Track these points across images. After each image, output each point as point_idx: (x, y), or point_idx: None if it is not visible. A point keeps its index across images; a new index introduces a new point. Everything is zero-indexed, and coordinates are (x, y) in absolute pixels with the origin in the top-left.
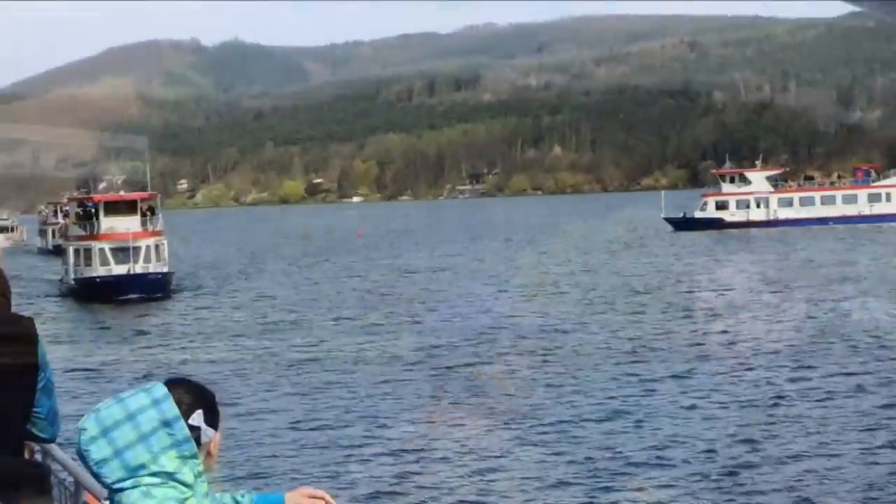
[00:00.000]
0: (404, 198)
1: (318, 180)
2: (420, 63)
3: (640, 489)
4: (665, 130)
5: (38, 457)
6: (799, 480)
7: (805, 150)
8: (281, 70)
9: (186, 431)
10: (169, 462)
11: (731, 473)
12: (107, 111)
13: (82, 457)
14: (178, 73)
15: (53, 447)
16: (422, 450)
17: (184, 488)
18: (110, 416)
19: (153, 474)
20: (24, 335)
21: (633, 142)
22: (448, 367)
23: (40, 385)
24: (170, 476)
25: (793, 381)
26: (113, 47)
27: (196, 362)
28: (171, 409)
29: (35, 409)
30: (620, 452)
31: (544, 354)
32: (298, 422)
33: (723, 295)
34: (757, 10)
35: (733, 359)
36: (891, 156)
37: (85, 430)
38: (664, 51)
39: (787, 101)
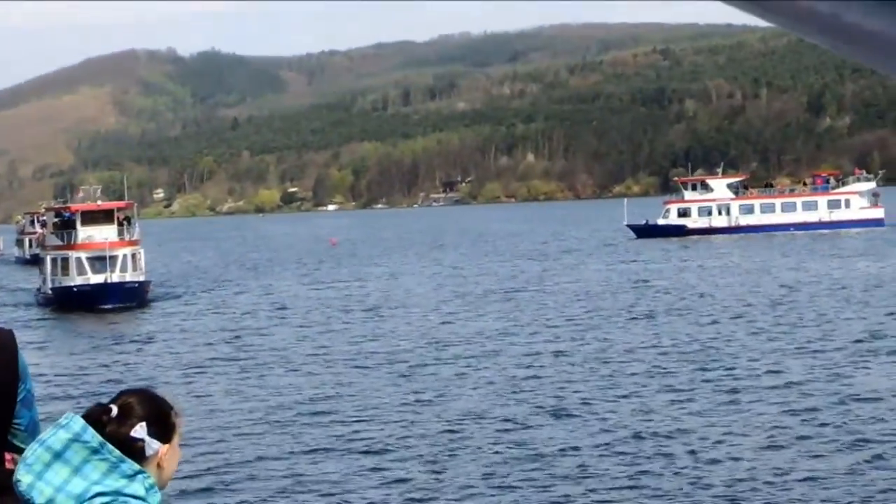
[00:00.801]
0: (379, 206)
1: (294, 189)
2: (395, 72)
3: (583, 479)
4: (637, 138)
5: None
6: (738, 479)
7: (776, 157)
8: (257, 80)
9: (118, 453)
10: (114, 482)
11: (671, 468)
12: (84, 121)
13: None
14: (154, 83)
15: None
16: (382, 449)
17: (136, 501)
18: (38, 461)
19: (101, 493)
20: (3, 347)
21: (606, 149)
22: (408, 368)
23: (20, 397)
24: (118, 493)
25: (746, 378)
26: (90, 57)
27: (171, 368)
28: (94, 437)
29: (16, 421)
30: (570, 448)
31: (499, 356)
32: (264, 421)
33: (681, 299)
34: (729, 19)
35: (682, 359)
36: (860, 162)
37: (20, 480)
38: (637, 59)
39: (758, 108)
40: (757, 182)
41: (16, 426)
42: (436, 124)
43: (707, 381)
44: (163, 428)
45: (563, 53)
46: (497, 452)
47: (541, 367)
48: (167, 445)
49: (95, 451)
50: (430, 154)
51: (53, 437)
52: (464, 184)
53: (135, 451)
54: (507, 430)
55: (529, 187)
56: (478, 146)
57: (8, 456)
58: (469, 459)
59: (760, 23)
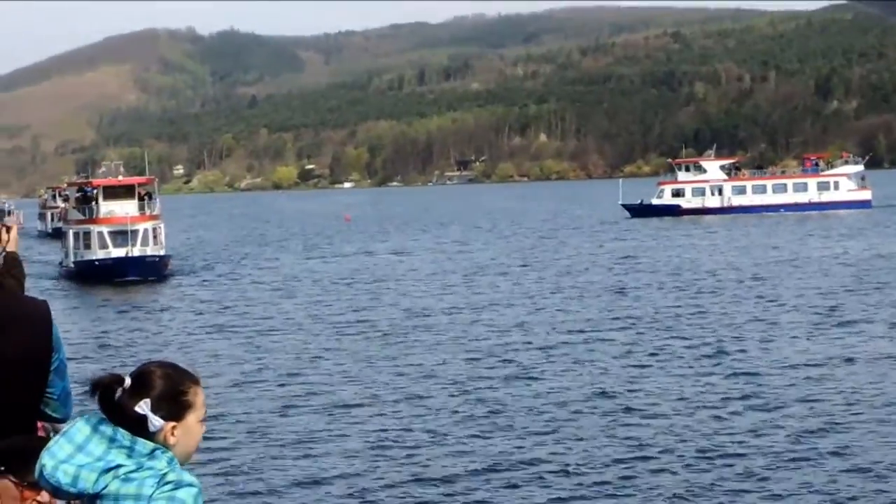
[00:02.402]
0: (394, 183)
1: (311, 166)
2: (410, 52)
3: (541, 443)
4: (648, 119)
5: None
6: (708, 442)
7: (783, 139)
8: (275, 59)
9: (129, 436)
10: (135, 461)
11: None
12: (105, 98)
13: (55, 489)
14: (174, 61)
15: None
16: (369, 405)
17: (159, 467)
18: (62, 451)
19: (122, 465)
20: (39, 317)
21: (617, 130)
22: (400, 336)
23: (54, 366)
24: (140, 466)
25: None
26: (112, 36)
27: (186, 339)
28: (107, 427)
29: (48, 391)
30: (540, 410)
31: (483, 326)
32: (262, 383)
33: (667, 274)
34: (739, 3)
35: (660, 329)
36: (866, 145)
37: (44, 465)
38: (648, 42)
39: (766, 91)
40: (766, 164)
41: (49, 395)
42: (450, 104)
43: (681, 351)
44: (173, 405)
45: (575, 35)
46: (472, 410)
47: (523, 335)
48: (174, 423)
49: (112, 440)
50: (445, 133)
51: (73, 429)
52: (478, 163)
53: (142, 426)
54: (483, 391)
55: (542, 167)
56: (491, 126)
57: (39, 424)
58: (449, 416)
59: (769, 7)
